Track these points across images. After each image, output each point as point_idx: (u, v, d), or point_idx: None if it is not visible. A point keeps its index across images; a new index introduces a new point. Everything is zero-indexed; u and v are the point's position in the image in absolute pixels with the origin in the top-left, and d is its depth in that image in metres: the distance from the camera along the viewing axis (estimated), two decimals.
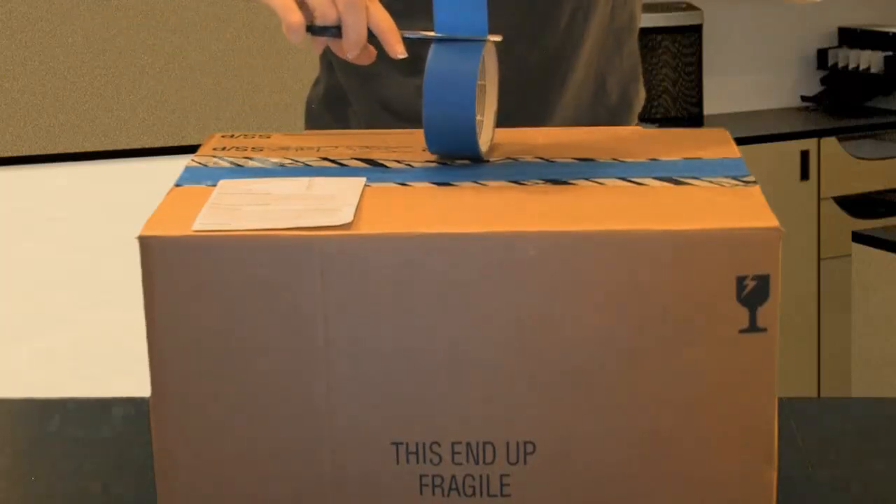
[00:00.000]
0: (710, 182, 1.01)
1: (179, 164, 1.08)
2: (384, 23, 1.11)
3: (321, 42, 1.11)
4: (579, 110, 1.42)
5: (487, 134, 1.12)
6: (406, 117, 1.36)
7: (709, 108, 3.77)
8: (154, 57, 4.01)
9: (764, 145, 3.45)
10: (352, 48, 1.09)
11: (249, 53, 4.04)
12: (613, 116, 1.44)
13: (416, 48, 1.38)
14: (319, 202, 0.97)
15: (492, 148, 1.11)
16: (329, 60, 1.48)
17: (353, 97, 1.43)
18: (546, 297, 0.92)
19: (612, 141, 1.13)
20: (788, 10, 3.91)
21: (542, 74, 1.38)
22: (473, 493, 0.95)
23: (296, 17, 1.07)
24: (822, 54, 3.91)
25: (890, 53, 3.74)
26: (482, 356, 0.93)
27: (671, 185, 1.00)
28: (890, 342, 2.74)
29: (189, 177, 1.04)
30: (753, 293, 0.92)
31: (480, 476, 0.95)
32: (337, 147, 1.12)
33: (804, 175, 3.48)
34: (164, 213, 0.97)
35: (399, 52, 1.11)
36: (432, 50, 1.08)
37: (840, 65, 3.87)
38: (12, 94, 3.93)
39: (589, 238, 0.92)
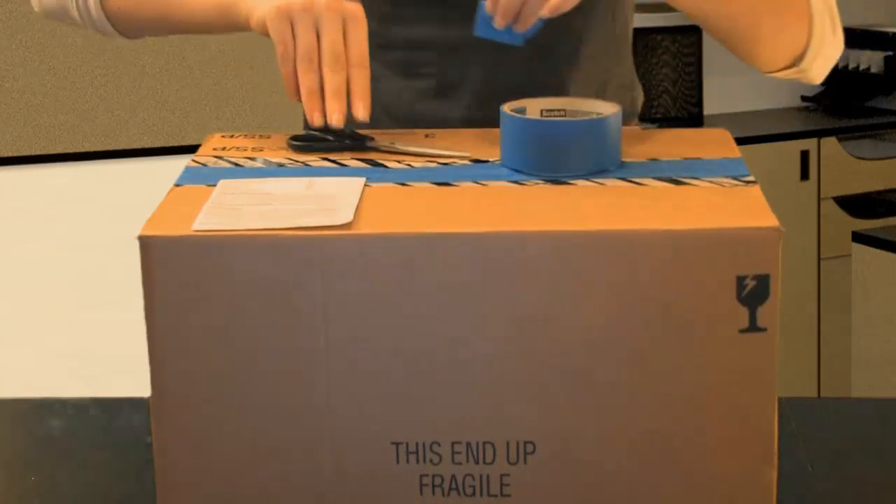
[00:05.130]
0: (710, 182, 1.01)
1: (179, 164, 1.08)
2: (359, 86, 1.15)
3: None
4: None
5: None
6: (406, 121, 1.36)
7: (709, 108, 3.77)
8: (154, 57, 4.01)
9: (764, 145, 3.45)
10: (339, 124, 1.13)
11: (249, 53, 4.04)
12: None
13: (405, 54, 1.37)
14: (319, 202, 0.97)
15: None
16: None
17: None
18: (546, 297, 0.92)
19: None
20: None
21: (539, 69, 1.38)
22: (473, 493, 0.95)
23: (318, 122, 1.13)
24: None
25: (890, 53, 3.74)
26: (482, 356, 0.93)
27: (671, 185, 1.00)
28: (890, 342, 2.74)
29: (189, 177, 1.04)
30: (753, 293, 0.92)
31: (480, 476, 0.95)
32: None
33: (804, 175, 3.48)
34: (164, 213, 0.97)
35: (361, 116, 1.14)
36: None
37: (840, 65, 3.87)
38: (12, 94, 3.93)
39: (589, 238, 0.92)
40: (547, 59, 1.37)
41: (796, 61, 1.34)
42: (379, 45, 1.38)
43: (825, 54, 1.34)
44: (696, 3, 1.28)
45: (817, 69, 1.35)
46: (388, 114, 1.38)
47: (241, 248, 0.92)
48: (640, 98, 1.49)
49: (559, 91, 1.37)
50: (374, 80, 1.40)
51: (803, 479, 1.16)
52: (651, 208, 0.97)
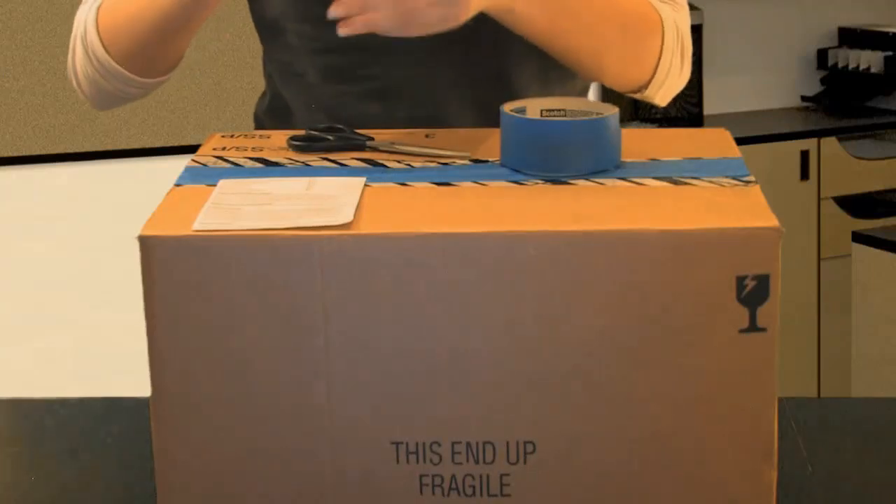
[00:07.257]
0: (710, 182, 1.01)
1: (179, 164, 1.08)
2: None
3: None
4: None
5: None
6: (351, 125, 1.35)
7: (709, 108, 3.77)
8: None
9: (764, 145, 3.45)
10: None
11: (249, 53, 4.04)
12: None
13: (341, 58, 1.37)
14: (319, 202, 0.97)
15: None
16: (270, 73, 1.48)
17: (293, 107, 1.44)
18: (546, 297, 0.92)
19: None
20: (788, 10, 3.90)
21: (477, 63, 1.37)
22: (473, 493, 0.95)
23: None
24: (822, 54, 3.91)
25: (890, 53, 3.74)
26: (482, 356, 0.93)
27: (671, 185, 1.00)
28: (890, 342, 2.74)
29: (189, 177, 1.04)
30: (753, 293, 0.92)
31: (480, 476, 0.95)
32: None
33: (804, 175, 3.48)
34: (164, 213, 0.97)
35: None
36: None
37: (840, 65, 3.87)
38: (12, 94, 3.93)
39: (589, 238, 0.92)
40: (484, 52, 1.37)
41: (641, 89, 1.39)
42: (315, 50, 1.38)
43: (669, 85, 1.41)
44: (540, 28, 1.29)
45: (661, 97, 1.42)
46: (333, 118, 1.37)
47: (241, 248, 0.92)
48: (585, 84, 1.48)
49: (500, 82, 1.37)
50: (315, 86, 1.40)
51: (803, 479, 1.16)
52: (651, 208, 0.97)
